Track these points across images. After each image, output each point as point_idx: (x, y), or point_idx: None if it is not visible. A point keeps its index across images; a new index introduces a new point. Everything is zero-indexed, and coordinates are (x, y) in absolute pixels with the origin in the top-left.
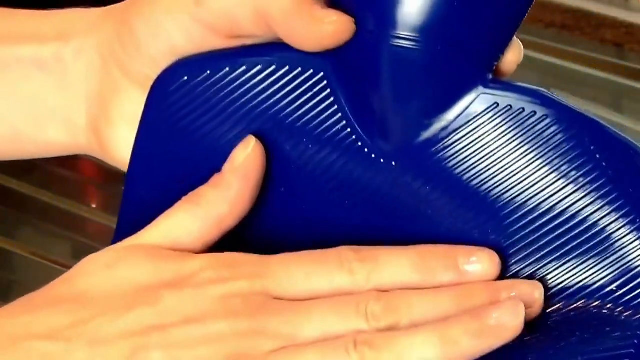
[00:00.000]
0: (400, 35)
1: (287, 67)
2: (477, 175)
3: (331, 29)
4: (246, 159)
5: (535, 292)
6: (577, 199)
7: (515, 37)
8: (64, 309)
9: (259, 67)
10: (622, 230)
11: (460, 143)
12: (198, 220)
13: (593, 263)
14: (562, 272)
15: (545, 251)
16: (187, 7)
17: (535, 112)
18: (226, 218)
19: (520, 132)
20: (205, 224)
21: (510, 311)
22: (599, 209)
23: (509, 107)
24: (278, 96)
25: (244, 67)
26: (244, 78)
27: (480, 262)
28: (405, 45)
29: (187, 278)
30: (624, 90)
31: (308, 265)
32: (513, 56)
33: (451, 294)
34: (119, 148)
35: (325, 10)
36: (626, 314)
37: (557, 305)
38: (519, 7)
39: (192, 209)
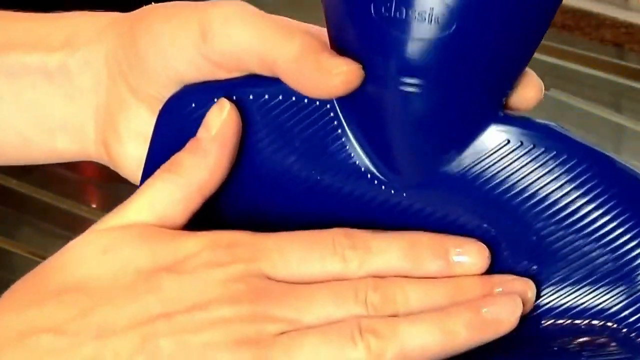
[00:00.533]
0: (407, 81)
1: (293, 98)
2: (488, 209)
3: (339, 80)
4: (222, 124)
5: (528, 292)
6: (591, 229)
7: (533, 74)
8: (67, 300)
9: (265, 97)
10: (636, 255)
11: (472, 179)
12: (180, 190)
13: (606, 289)
14: (574, 295)
15: (558, 278)
16: (194, 41)
17: (546, 148)
18: (206, 185)
19: (532, 167)
20: (187, 192)
21: (508, 306)
22: (614, 238)
23: (520, 143)
24: (285, 127)
25: (250, 97)
26: (251, 108)
27: (468, 254)
28: (411, 90)
29: (184, 261)
30: (623, 90)
31: (302, 248)
32: (531, 92)
33: (446, 286)
34: (127, 162)
35: (333, 60)
36: (631, 335)
37: (562, 321)
38: (521, 50)
39: (173, 178)
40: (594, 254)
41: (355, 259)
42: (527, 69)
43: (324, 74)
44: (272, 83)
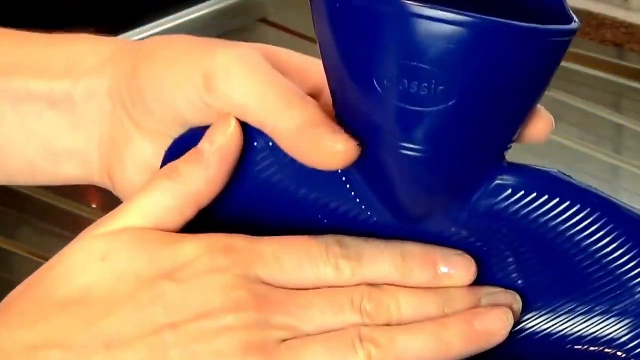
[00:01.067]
0: (407, 146)
1: None
2: (491, 258)
3: (335, 159)
4: (227, 140)
5: (513, 304)
6: (598, 267)
7: (542, 109)
8: (71, 312)
9: (270, 144)
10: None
11: (474, 225)
12: (176, 198)
13: (616, 319)
14: (579, 323)
15: (567, 308)
16: (198, 89)
17: (548, 196)
18: (203, 195)
19: (535, 214)
20: (184, 201)
21: (500, 319)
22: (619, 275)
23: (523, 193)
24: (286, 163)
25: (255, 144)
26: (253, 152)
27: (456, 268)
28: (412, 154)
29: (183, 267)
30: (623, 90)
31: (297, 256)
32: (541, 127)
33: (435, 296)
34: (131, 191)
35: (330, 137)
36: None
37: (578, 347)
38: (520, 112)
39: (171, 185)
40: (603, 289)
41: (347, 268)
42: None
43: (320, 152)
44: None
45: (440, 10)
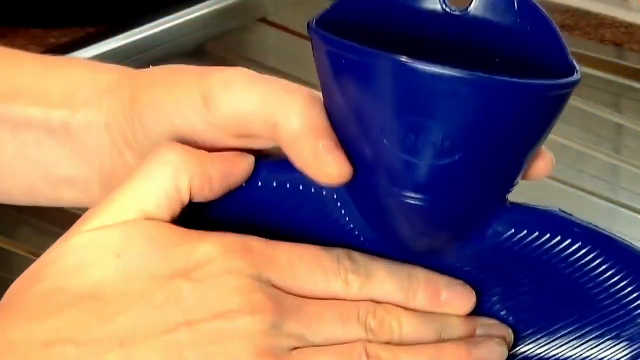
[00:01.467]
0: (410, 196)
1: (301, 187)
2: (491, 288)
3: (330, 177)
4: (236, 175)
5: (506, 337)
6: (599, 299)
7: (543, 148)
8: (87, 307)
9: (274, 183)
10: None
11: (476, 263)
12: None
13: (612, 343)
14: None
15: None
16: (197, 109)
17: (550, 235)
18: (198, 195)
19: (539, 254)
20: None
21: (495, 350)
22: (623, 309)
23: (526, 233)
24: (289, 203)
25: (259, 184)
26: (257, 189)
27: (457, 297)
28: (415, 203)
29: (199, 267)
30: (623, 90)
31: (309, 266)
32: (542, 166)
33: (434, 321)
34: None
35: (327, 155)
36: None
37: None
38: (522, 161)
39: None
40: (603, 319)
41: (356, 283)
42: None
43: (317, 165)
44: (280, 169)
45: (441, 67)
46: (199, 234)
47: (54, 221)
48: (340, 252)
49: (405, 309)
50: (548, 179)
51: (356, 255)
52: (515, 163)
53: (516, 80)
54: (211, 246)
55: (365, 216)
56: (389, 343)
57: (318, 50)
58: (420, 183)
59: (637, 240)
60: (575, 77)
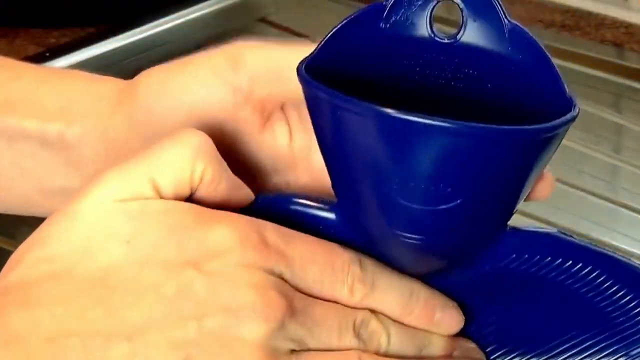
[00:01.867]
0: (409, 236)
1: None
2: (490, 315)
3: None
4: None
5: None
6: (601, 319)
7: (545, 171)
8: (95, 297)
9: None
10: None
11: (475, 287)
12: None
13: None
14: None
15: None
16: (222, 72)
17: (551, 258)
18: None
19: (539, 275)
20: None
21: None
22: (631, 327)
23: (526, 256)
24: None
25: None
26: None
27: (449, 319)
28: (412, 242)
29: (213, 257)
30: (623, 90)
31: (320, 268)
32: (542, 187)
33: (419, 338)
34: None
35: None
36: None
37: None
38: (521, 196)
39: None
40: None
41: (359, 293)
42: None
43: None
44: (281, 203)
45: (428, 118)
46: (213, 215)
47: None
48: (352, 256)
49: (396, 322)
50: None
51: (367, 262)
52: (515, 196)
53: (510, 128)
54: (226, 233)
55: (363, 246)
56: (376, 354)
57: (306, 95)
58: (419, 226)
59: (638, 240)
60: (572, 113)
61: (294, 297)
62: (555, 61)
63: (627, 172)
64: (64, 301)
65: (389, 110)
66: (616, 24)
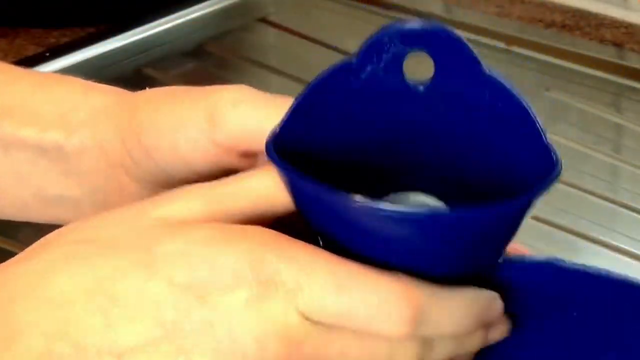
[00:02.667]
0: None
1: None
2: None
3: None
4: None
5: None
6: (618, 345)
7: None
8: (97, 304)
9: None
10: None
11: None
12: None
13: None
14: None
15: None
16: (202, 126)
17: (549, 286)
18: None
19: (536, 303)
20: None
21: None
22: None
23: (525, 286)
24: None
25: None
26: None
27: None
28: None
29: (219, 287)
30: (623, 90)
31: (361, 296)
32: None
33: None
34: None
35: None
36: None
37: None
38: (506, 244)
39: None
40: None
41: (408, 327)
42: None
43: None
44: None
45: (389, 205)
46: (225, 237)
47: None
48: (403, 292)
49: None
50: None
51: (419, 295)
52: (503, 249)
53: (481, 209)
54: (238, 260)
55: None
56: None
57: (278, 173)
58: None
59: (638, 240)
60: (553, 173)
61: (306, 339)
62: (555, 61)
63: (627, 172)
64: (69, 302)
65: (355, 197)
66: (616, 24)
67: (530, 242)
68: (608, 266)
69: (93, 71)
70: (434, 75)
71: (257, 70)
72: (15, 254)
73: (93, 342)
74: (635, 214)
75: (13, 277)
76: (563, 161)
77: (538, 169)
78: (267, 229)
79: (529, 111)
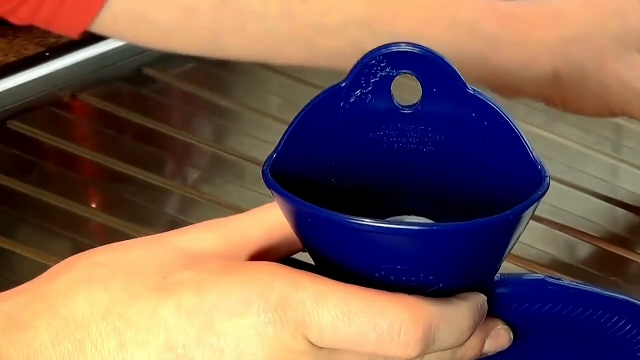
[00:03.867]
0: None
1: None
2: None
3: None
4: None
5: None
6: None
7: None
8: (112, 328)
9: None
10: None
11: None
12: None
13: None
14: None
15: None
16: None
17: (542, 304)
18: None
19: (532, 319)
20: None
21: None
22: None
23: (515, 306)
24: None
25: None
26: None
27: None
28: None
29: (227, 319)
30: None
31: (367, 322)
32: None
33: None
34: None
35: None
36: None
37: None
38: (501, 257)
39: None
40: None
41: (419, 349)
42: None
43: None
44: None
45: (382, 222)
46: (235, 270)
47: (54, 221)
48: (407, 315)
49: None
50: None
51: (425, 316)
52: (499, 261)
53: (474, 223)
54: (247, 293)
55: None
56: None
57: (276, 199)
58: None
59: (637, 240)
60: (542, 188)
61: None
62: None
63: (627, 172)
64: (87, 323)
65: (352, 219)
66: None
67: (530, 242)
68: (608, 266)
69: (93, 71)
70: (422, 97)
71: (256, 71)
72: (15, 254)
73: None
74: (635, 214)
75: (40, 295)
76: (563, 161)
77: (528, 184)
78: (277, 264)
79: (516, 129)
